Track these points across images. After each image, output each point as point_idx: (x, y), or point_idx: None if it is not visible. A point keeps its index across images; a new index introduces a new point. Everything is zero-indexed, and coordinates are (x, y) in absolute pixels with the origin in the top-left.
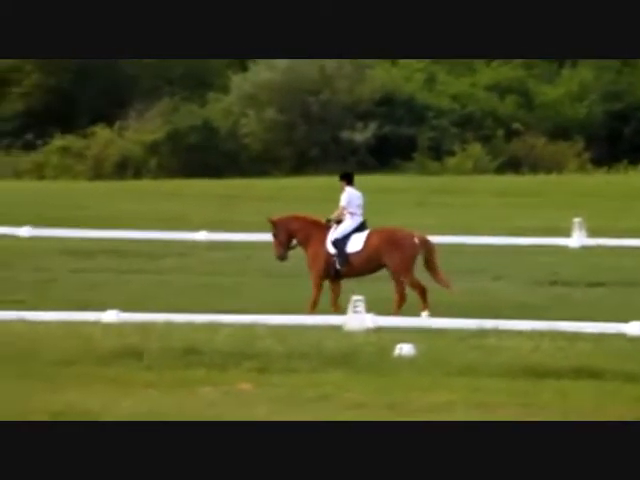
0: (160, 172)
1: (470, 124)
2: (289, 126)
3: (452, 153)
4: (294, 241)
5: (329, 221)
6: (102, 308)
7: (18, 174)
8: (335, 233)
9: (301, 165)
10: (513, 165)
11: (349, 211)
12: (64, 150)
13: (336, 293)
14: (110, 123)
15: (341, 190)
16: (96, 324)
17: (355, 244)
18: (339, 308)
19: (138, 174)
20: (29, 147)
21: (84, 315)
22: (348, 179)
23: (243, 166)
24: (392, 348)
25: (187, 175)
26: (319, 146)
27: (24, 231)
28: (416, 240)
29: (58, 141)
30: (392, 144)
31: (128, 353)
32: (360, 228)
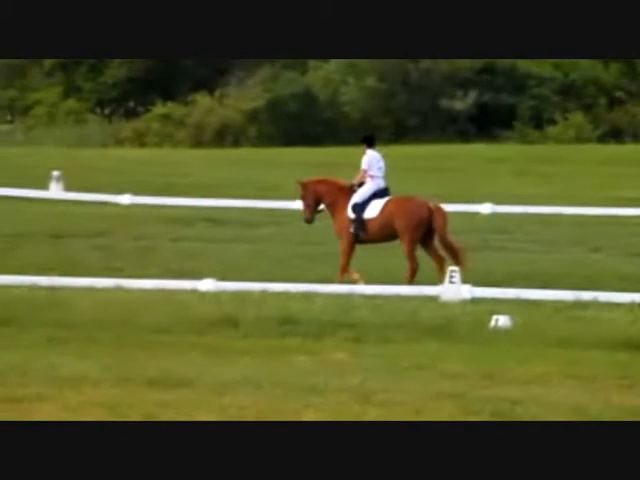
0: (259, 140)
1: (572, 92)
2: (389, 94)
3: (553, 122)
4: (322, 205)
5: (353, 186)
6: (199, 276)
7: (119, 141)
8: (355, 197)
9: (400, 134)
10: (615, 134)
11: (370, 174)
12: (165, 118)
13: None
14: (211, 91)
15: (362, 153)
16: (193, 292)
17: (373, 210)
18: (350, 274)
19: (237, 142)
20: (130, 115)
21: (181, 283)
22: (369, 142)
23: (342, 134)
24: (488, 319)
25: (286, 143)
26: (418, 114)
27: (125, 199)
28: (427, 207)
29: (159, 109)
30: (492, 113)
31: (224, 321)
32: (381, 194)
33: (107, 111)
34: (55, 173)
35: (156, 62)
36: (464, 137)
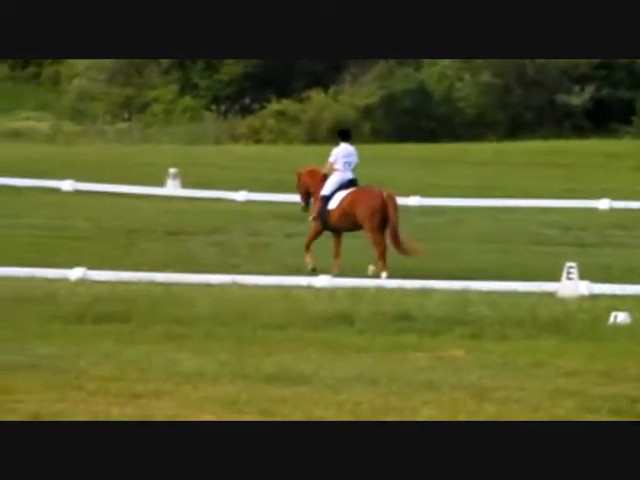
0: (373, 136)
1: None
2: (504, 90)
3: None
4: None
5: (326, 176)
6: (315, 273)
7: (234, 138)
8: (323, 190)
9: (515, 129)
10: None
11: (335, 167)
12: (280, 114)
13: (336, 248)
14: (325, 87)
15: (337, 146)
16: (308, 288)
17: (335, 201)
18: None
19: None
20: (246, 111)
21: (297, 280)
22: (342, 136)
23: (457, 130)
24: (606, 316)
25: (400, 139)
26: (534, 110)
27: (240, 195)
28: (380, 196)
29: (274, 105)
30: (609, 108)
31: (340, 318)
32: (347, 185)
33: (222, 108)
34: (171, 170)
35: (271, 59)
36: (580, 132)
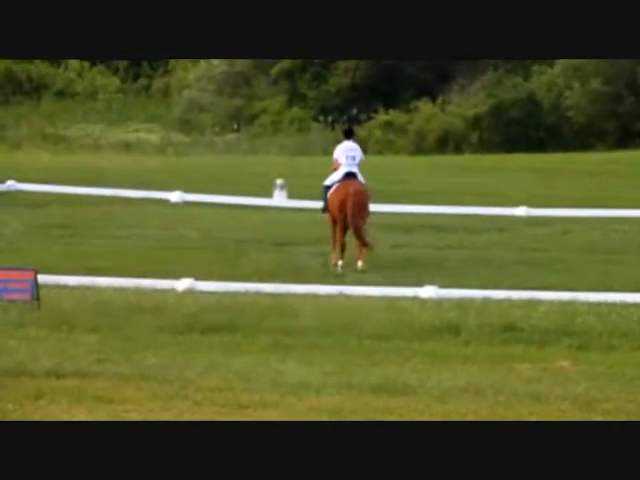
0: (481, 146)
1: None
2: (615, 98)
3: None
4: None
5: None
6: (420, 283)
7: None
8: (326, 180)
9: (626, 138)
10: None
11: (339, 162)
12: (387, 125)
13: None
14: (433, 97)
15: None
16: (414, 299)
17: (330, 190)
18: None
19: (459, 149)
20: (353, 122)
21: (403, 290)
22: (346, 134)
23: (566, 140)
24: None
25: (508, 149)
26: None
27: None
28: (345, 192)
29: (382, 116)
30: None
31: (445, 328)
32: (346, 177)
33: (330, 119)
34: (278, 181)
35: (379, 69)
36: None
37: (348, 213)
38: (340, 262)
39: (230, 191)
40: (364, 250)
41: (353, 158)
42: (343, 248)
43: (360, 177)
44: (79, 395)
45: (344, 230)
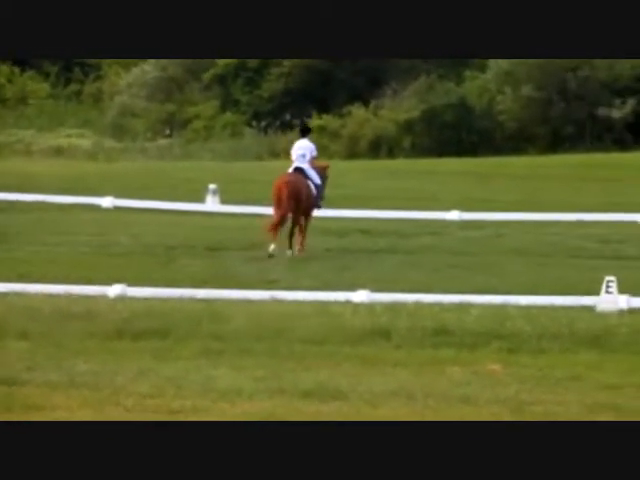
0: (414, 151)
1: None
2: (546, 103)
3: None
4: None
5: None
6: (353, 288)
7: (275, 154)
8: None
9: (556, 143)
10: None
11: (292, 159)
12: (320, 130)
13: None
14: (366, 102)
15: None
16: (347, 304)
17: None
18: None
19: (392, 153)
20: (286, 127)
21: (335, 295)
22: (300, 132)
23: (498, 144)
24: None
25: (441, 154)
26: (575, 123)
27: None
28: (276, 183)
29: (315, 121)
30: None
31: (377, 332)
32: (293, 172)
33: (263, 124)
34: (211, 186)
35: (312, 74)
36: (621, 146)
37: (282, 199)
38: (272, 246)
39: (162, 196)
40: (299, 239)
41: (303, 156)
42: (276, 232)
43: (310, 173)
44: (8, 403)
45: (283, 217)
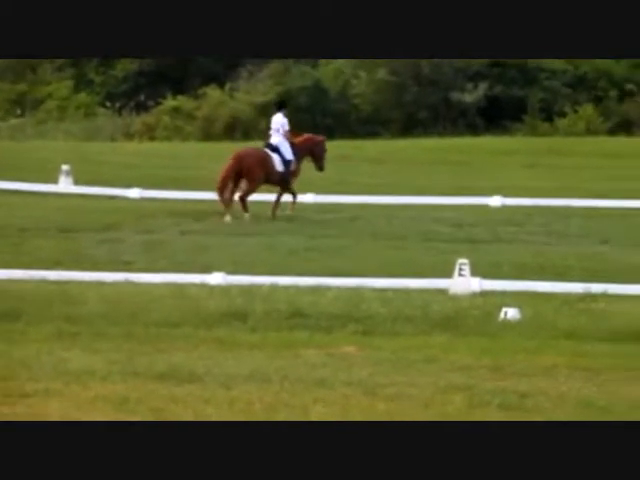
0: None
1: (583, 85)
2: (400, 87)
3: (563, 114)
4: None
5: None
6: (209, 270)
7: (129, 135)
8: None
9: (410, 127)
10: (625, 127)
11: (270, 134)
12: (175, 111)
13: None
14: (221, 84)
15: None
16: (203, 286)
17: None
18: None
19: (248, 135)
20: (141, 108)
21: (191, 277)
22: (276, 106)
23: (353, 127)
24: (497, 312)
25: (296, 136)
26: (429, 108)
27: (134, 192)
28: (236, 153)
29: (169, 102)
30: (502, 105)
31: (233, 315)
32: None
33: (117, 105)
34: (64, 167)
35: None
36: (474, 130)
37: (243, 171)
38: (227, 217)
39: (14, 177)
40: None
41: (277, 130)
42: (227, 204)
43: (282, 148)
44: None
45: (222, 184)
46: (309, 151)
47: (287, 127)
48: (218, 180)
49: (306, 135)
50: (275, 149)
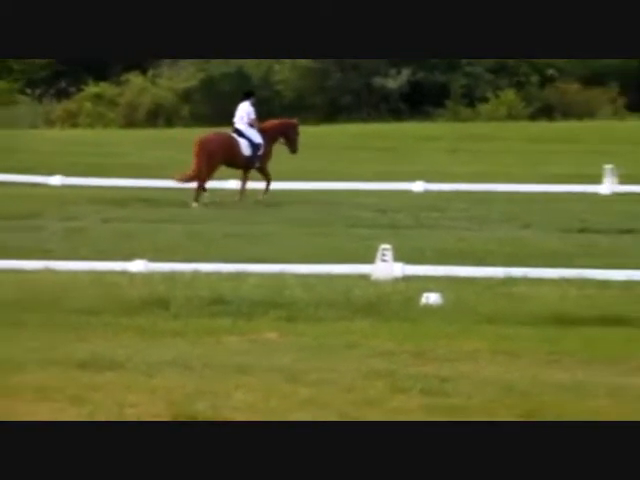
0: (192, 120)
1: (504, 70)
2: (323, 73)
3: (485, 100)
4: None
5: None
6: (131, 257)
7: (50, 122)
8: None
9: (334, 112)
10: (546, 112)
11: (234, 120)
12: (97, 98)
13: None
14: (144, 71)
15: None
16: (124, 274)
17: None
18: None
19: (170, 122)
20: (62, 95)
21: (112, 265)
22: (243, 95)
23: (276, 113)
24: (419, 297)
25: (219, 123)
26: (352, 93)
27: (55, 180)
28: (207, 139)
29: (91, 88)
30: (425, 91)
31: (155, 302)
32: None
33: (37, 92)
34: None
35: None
36: (397, 115)
37: (198, 154)
38: (195, 204)
39: None
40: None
41: (242, 118)
42: (200, 188)
43: (248, 133)
44: None
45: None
46: (282, 134)
47: (253, 115)
48: (192, 170)
49: (279, 119)
50: (242, 134)
